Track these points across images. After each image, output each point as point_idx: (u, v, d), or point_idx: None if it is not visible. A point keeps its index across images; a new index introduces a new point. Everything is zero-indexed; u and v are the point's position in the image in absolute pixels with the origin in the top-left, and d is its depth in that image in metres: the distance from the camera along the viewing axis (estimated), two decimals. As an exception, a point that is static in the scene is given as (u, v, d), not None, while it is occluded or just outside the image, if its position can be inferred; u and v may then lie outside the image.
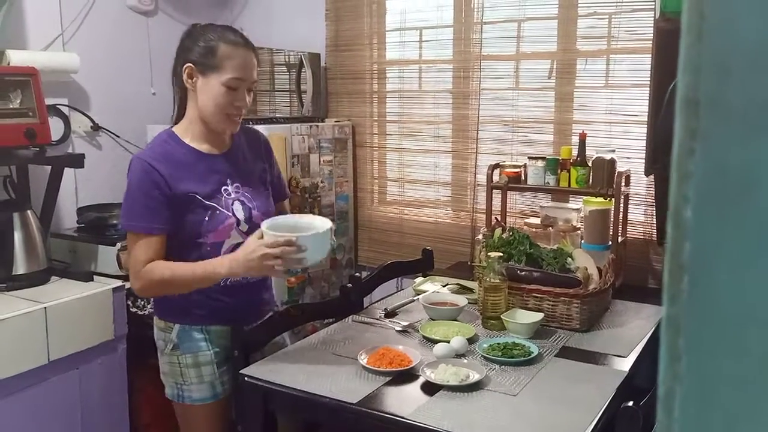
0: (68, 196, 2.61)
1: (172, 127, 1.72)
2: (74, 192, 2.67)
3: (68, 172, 2.42)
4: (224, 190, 1.68)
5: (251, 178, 1.75)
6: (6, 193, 2.26)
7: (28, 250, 2.18)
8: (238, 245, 1.62)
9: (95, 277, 2.29)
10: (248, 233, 1.65)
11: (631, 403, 1.37)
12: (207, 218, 1.63)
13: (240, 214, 1.68)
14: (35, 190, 2.39)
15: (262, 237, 1.53)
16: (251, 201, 1.72)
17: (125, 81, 2.88)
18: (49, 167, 2.34)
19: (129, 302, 2.29)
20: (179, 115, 1.72)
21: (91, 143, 2.76)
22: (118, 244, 2.32)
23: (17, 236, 2.17)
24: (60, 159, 2.36)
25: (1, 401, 1.91)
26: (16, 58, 2.31)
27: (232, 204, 1.68)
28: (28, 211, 2.22)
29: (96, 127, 2.74)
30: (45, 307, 2.02)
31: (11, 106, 2.15)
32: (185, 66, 1.63)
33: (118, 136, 2.84)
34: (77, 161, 2.31)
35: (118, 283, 2.26)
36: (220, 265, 1.58)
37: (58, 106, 2.57)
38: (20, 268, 2.17)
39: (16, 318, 1.94)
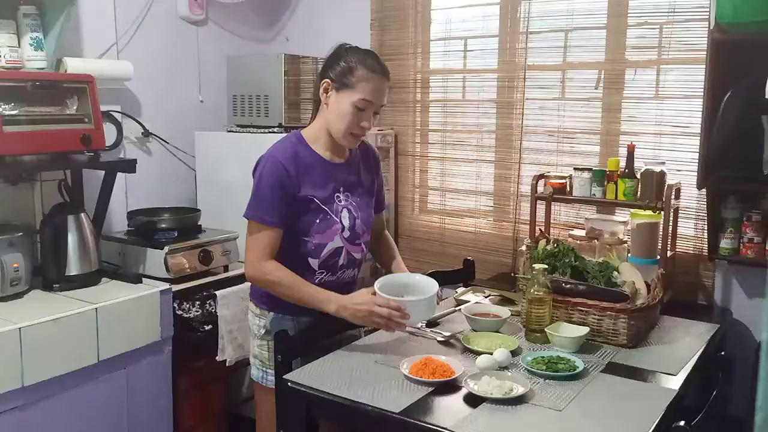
0: (119, 200, 2.68)
1: (299, 129, 1.86)
2: (125, 196, 2.74)
3: (119, 177, 2.49)
4: (337, 197, 1.81)
5: (360, 189, 1.88)
6: (61, 196, 2.34)
7: (81, 252, 2.25)
8: (338, 249, 1.80)
9: (143, 279, 2.34)
10: (349, 240, 1.82)
11: (682, 423, 1.33)
12: (318, 220, 1.77)
13: (346, 222, 1.82)
14: (88, 194, 2.46)
15: (374, 293, 1.68)
16: (357, 211, 1.84)
17: (175, 89, 2.96)
18: (102, 172, 2.41)
19: (175, 305, 2.33)
20: (312, 120, 1.88)
21: (142, 149, 2.84)
22: (166, 248, 2.37)
23: (71, 238, 2.24)
24: (113, 164, 2.43)
25: (52, 398, 1.97)
26: (73, 65, 2.39)
27: (341, 211, 1.81)
28: (82, 214, 2.29)
29: (147, 134, 2.82)
30: (96, 308, 2.07)
31: (68, 112, 2.22)
32: (323, 80, 1.77)
33: (167, 142, 2.92)
34: (130, 166, 2.38)
35: (166, 285, 2.31)
36: (328, 303, 1.72)
37: (111, 113, 2.65)
38: (73, 269, 2.24)
39: (68, 318, 2.00)
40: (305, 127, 1.88)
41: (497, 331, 1.91)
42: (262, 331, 1.85)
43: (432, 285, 1.77)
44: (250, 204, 1.75)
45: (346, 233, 1.82)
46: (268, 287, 1.78)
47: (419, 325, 2.00)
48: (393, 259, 2.03)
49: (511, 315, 1.99)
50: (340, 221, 1.80)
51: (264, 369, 1.86)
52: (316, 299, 1.73)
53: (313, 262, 1.80)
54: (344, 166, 1.85)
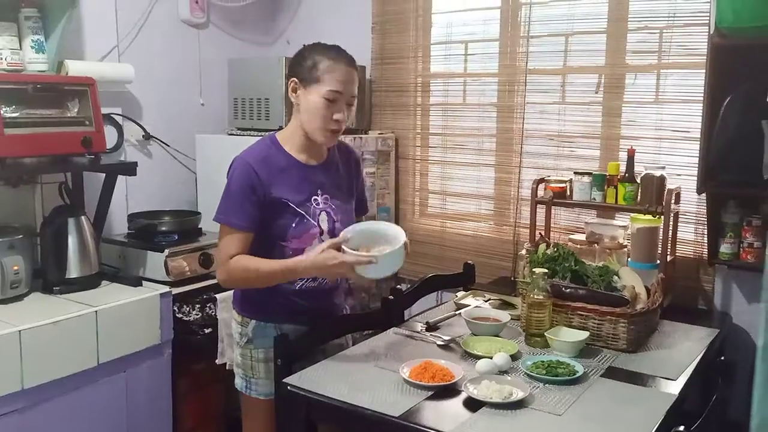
0: (119, 203, 2.68)
1: (275, 132, 1.83)
2: (125, 199, 2.74)
3: (120, 179, 2.49)
4: (314, 199, 1.77)
5: (340, 191, 1.84)
6: (61, 198, 2.34)
7: (81, 255, 2.25)
8: None
9: (143, 282, 2.34)
10: None
11: (682, 428, 1.33)
12: (294, 224, 1.73)
13: (324, 225, 1.77)
14: (88, 196, 2.47)
15: (339, 248, 1.62)
16: (336, 214, 1.80)
17: (176, 91, 2.96)
18: (103, 174, 2.41)
19: (175, 308, 2.33)
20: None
21: (142, 151, 2.84)
22: (167, 251, 2.37)
23: (71, 241, 2.24)
24: (114, 167, 2.43)
25: (52, 401, 1.97)
26: (75, 68, 2.40)
27: (319, 214, 1.77)
28: (82, 217, 2.29)
29: (147, 136, 2.82)
30: (96, 311, 2.07)
31: (69, 115, 2.23)
32: (290, 81, 1.75)
33: (168, 145, 2.92)
34: (130, 169, 2.38)
35: (166, 288, 2.31)
36: (296, 271, 1.67)
37: (112, 115, 2.66)
38: (73, 272, 2.24)
39: (68, 320, 2.00)
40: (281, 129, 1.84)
41: (497, 336, 1.91)
42: (244, 340, 1.81)
43: (399, 234, 1.70)
44: (219, 207, 1.72)
45: (325, 237, 1.76)
46: (240, 283, 1.75)
47: (419, 328, 2.00)
48: None
49: (511, 319, 1.99)
50: (318, 224, 1.76)
51: (247, 378, 1.82)
52: (288, 271, 1.68)
53: None
54: (321, 168, 1.80)
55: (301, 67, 1.73)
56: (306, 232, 1.74)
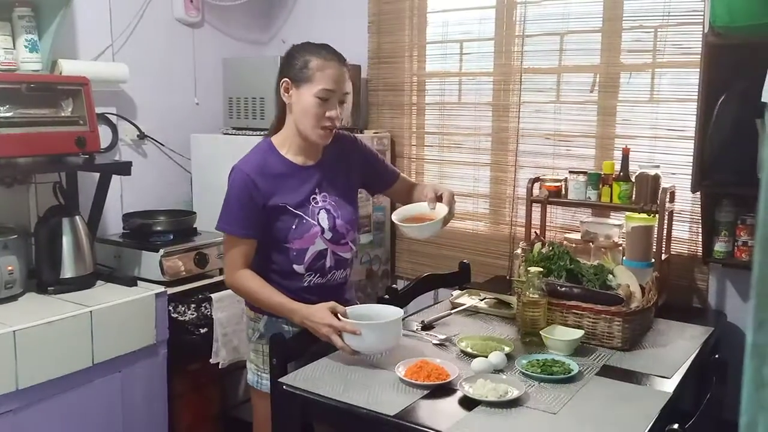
0: (114, 203, 2.68)
1: (270, 136, 1.83)
2: (120, 198, 2.74)
3: (114, 179, 2.48)
4: (312, 199, 1.79)
5: (339, 187, 1.84)
6: (56, 198, 2.33)
7: (75, 255, 2.25)
8: (321, 252, 1.78)
9: (138, 282, 2.34)
10: (331, 241, 1.79)
11: (676, 426, 1.33)
12: (294, 226, 1.75)
13: (325, 223, 1.79)
14: (83, 196, 2.46)
15: (334, 311, 1.68)
16: (336, 210, 1.81)
17: (171, 91, 2.95)
18: (97, 174, 2.41)
19: (170, 308, 2.33)
20: (277, 128, 1.83)
21: (137, 151, 2.83)
22: (162, 250, 2.36)
23: (65, 241, 2.23)
24: (108, 166, 2.42)
25: (47, 402, 1.97)
26: (68, 67, 2.39)
27: (318, 213, 1.78)
28: (77, 217, 2.28)
29: (142, 136, 2.81)
30: (91, 311, 2.07)
31: (63, 114, 2.22)
32: (282, 81, 1.74)
33: (162, 145, 2.91)
34: (125, 169, 2.37)
35: (161, 288, 2.30)
36: (293, 314, 1.73)
37: (106, 115, 2.65)
38: (68, 272, 2.23)
39: (63, 321, 1.99)
40: (275, 132, 1.83)
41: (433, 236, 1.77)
42: (257, 335, 1.84)
43: (392, 314, 1.75)
44: (220, 216, 1.76)
45: (328, 234, 1.78)
46: (243, 295, 1.82)
47: (414, 327, 1.99)
48: (414, 187, 1.96)
49: (506, 318, 1.99)
50: (318, 223, 1.77)
51: (258, 373, 1.85)
52: (283, 309, 1.74)
53: (299, 268, 1.78)
54: (318, 168, 1.81)
55: (292, 67, 1.73)
56: (307, 232, 1.76)
